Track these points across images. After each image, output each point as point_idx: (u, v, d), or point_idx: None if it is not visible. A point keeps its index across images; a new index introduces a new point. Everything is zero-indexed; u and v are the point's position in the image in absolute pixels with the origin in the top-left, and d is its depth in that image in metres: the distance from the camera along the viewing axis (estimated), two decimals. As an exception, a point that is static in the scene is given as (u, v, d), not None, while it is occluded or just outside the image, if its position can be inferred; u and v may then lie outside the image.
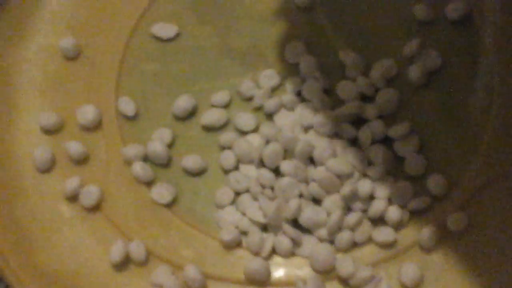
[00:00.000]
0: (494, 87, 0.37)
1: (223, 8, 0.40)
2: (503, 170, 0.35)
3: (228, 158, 0.36)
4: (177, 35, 0.40)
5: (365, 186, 0.34)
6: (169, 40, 0.40)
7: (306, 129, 0.36)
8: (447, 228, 0.34)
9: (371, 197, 0.35)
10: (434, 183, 0.35)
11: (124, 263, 0.35)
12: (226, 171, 0.37)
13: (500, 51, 0.37)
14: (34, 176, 0.38)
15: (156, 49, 0.40)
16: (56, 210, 0.37)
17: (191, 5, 0.41)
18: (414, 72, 0.37)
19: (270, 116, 0.37)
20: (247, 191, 0.36)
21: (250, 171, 0.36)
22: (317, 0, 0.39)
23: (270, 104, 0.37)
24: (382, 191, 0.34)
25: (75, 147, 0.38)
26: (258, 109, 0.38)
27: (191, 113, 0.38)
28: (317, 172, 0.35)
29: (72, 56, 0.40)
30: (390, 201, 0.34)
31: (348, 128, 0.36)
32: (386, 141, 0.36)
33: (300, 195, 0.35)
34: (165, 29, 0.40)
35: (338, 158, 0.35)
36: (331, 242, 0.34)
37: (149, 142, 0.37)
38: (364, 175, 0.35)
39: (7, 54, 0.40)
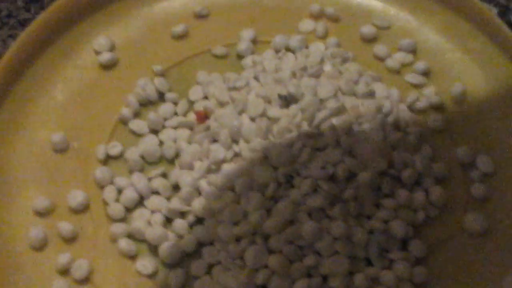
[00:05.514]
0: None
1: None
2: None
3: (203, 235, 0.38)
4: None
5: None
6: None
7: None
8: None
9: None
10: None
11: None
12: (201, 245, 0.38)
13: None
14: (29, 253, 0.39)
15: (134, 142, 0.42)
16: (50, 284, 0.37)
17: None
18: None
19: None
20: (219, 263, 0.38)
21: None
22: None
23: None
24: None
25: (65, 226, 0.39)
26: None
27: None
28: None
29: (62, 149, 0.42)
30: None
31: None
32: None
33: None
34: (140, 125, 0.43)
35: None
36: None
37: (132, 220, 0.39)
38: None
39: (3, 146, 0.41)
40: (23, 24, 0.49)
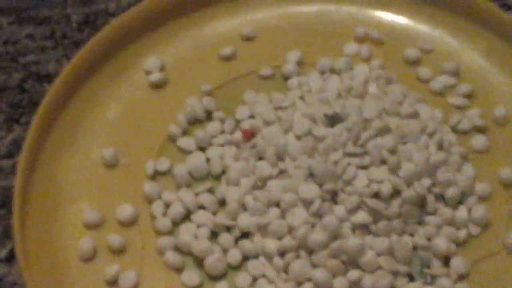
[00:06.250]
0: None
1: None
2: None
3: (249, 249, 0.39)
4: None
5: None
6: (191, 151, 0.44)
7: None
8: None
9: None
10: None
11: None
12: (245, 258, 0.39)
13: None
14: (78, 264, 0.40)
15: (182, 159, 0.43)
16: (99, 294, 0.39)
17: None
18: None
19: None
20: (264, 275, 0.38)
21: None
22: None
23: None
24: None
25: (115, 239, 0.40)
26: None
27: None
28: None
29: (112, 164, 0.43)
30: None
31: None
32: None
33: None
34: (188, 142, 0.44)
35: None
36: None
37: (179, 233, 0.40)
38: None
39: (56, 161, 0.43)
40: (77, 45, 0.51)
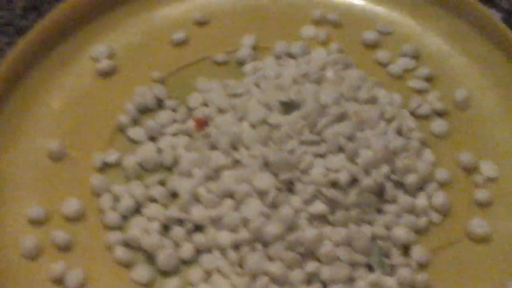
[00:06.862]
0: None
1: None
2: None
3: (202, 242, 0.38)
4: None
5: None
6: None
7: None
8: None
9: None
10: None
11: None
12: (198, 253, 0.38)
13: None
14: (22, 262, 0.38)
15: (132, 150, 0.42)
16: (43, 293, 0.37)
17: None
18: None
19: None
20: (218, 270, 0.37)
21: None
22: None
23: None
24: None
25: (60, 235, 0.38)
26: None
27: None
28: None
29: (58, 157, 0.42)
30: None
31: None
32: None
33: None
34: (138, 132, 0.42)
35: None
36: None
37: (129, 228, 0.39)
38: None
39: (-1, 154, 0.41)
40: (21, 32, 0.49)
